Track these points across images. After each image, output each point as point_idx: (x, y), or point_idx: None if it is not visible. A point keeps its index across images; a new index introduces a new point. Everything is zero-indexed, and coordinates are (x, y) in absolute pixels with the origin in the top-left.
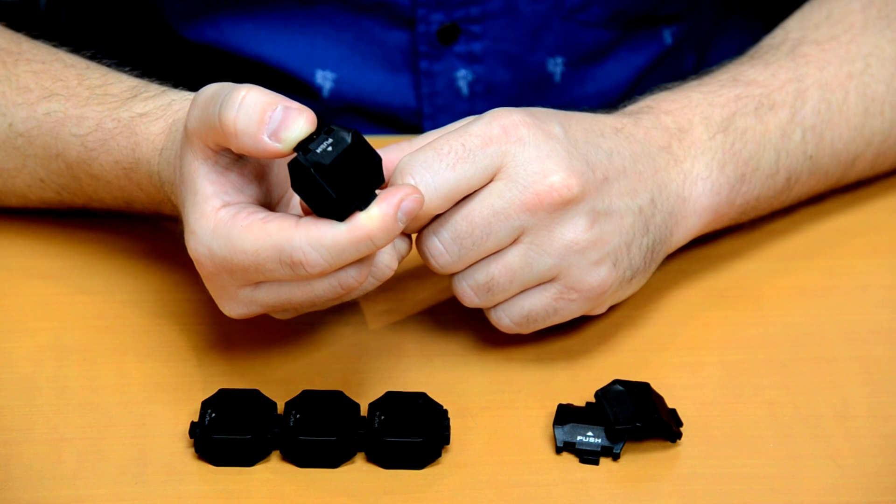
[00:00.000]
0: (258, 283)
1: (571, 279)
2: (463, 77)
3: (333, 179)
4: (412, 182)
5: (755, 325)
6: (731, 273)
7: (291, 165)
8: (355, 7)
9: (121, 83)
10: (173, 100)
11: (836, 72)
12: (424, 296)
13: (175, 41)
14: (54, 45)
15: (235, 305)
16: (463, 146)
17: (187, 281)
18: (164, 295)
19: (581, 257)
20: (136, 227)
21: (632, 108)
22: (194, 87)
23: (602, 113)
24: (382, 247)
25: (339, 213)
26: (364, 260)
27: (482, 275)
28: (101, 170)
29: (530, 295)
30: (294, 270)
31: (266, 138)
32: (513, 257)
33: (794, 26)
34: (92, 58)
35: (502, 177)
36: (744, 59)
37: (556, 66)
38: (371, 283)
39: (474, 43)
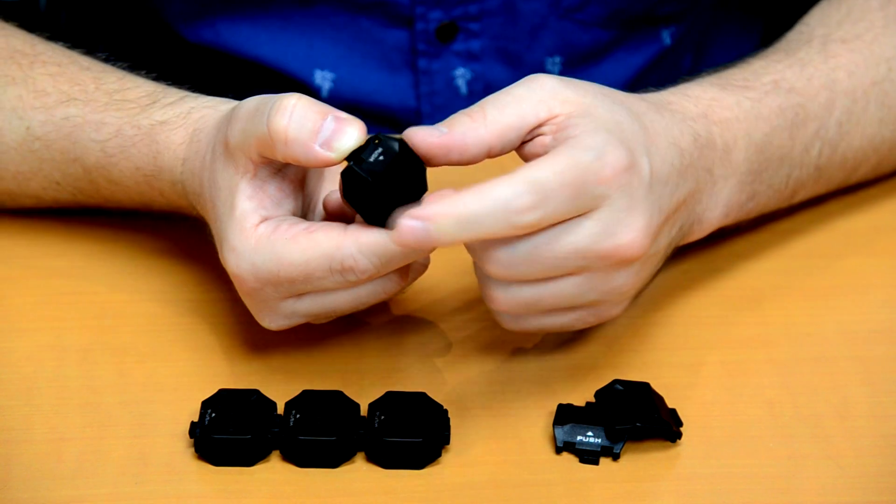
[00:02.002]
0: (301, 295)
1: (600, 310)
2: (461, 76)
3: (386, 188)
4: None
5: (755, 325)
6: (731, 273)
7: (345, 174)
8: (353, 7)
9: (138, 88)
10: (192, 107)
11: (861, 78)
12: (424, 296)
13: (175, 42)
14: (68, 47)
15: (276, 318)
16: (573, 183)
17: (188, 281)
18: (164, 295)
19: (621, 297)
20: (137, 228)
21: (691, 108)
22: (196, 87)
23: (676, 111)
24: (430, 252)
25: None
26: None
27: (529, 293)
28: (121, 175)
29: (557, 315)
30: (344, 277)
31: (318, 147)
32: (568, 287)
33: (815, 23)
34: (106, 60)
35: (594, 217)
36: (779, 55)
37: (554, 65)
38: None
39: (473, 41)
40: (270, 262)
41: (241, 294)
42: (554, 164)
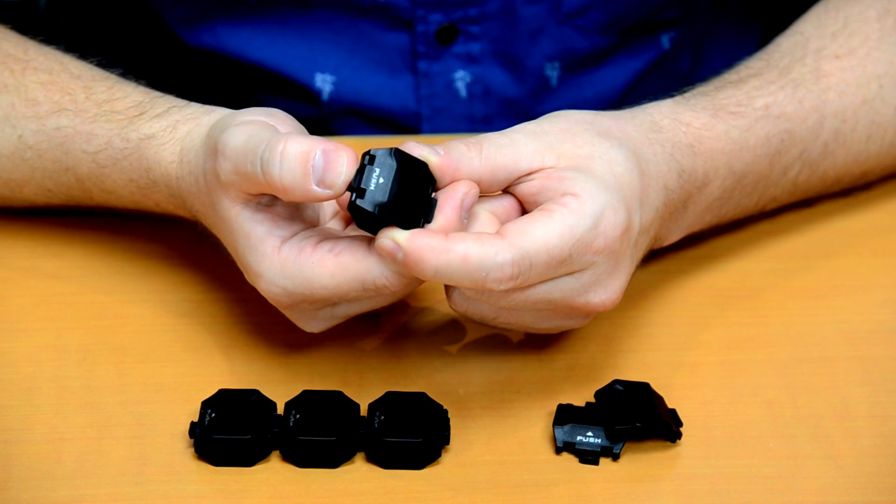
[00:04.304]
0: (337, 303)
1: (546, 332)
2: (461, 78)
3: (396, 210)
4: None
5: (755, 325)
6: (731, 273)
7: (352, 210)
8: (353, 10)
9: (126, 98)
10: (178, 120)
11: (852, 98)
12: (425, 296)
13: (176, 45)
14: (60, 50)
15: (317, 323)
16: (560, 257)
17: (187, 281)
18: (164, 295)
19: (568, 328)
20: (137, 228)
21: (680, 136)
22: (198, 90)
23: (666, 139)
24: None
25: None
26: None
27: (488, 312)
28: (114, 185)
29: (507, 326)
30: (378, 293)
31: (315, 187)
32: (526, 316)
33: (811, 33)
34: (98, 64)
35: (574, 276)
36: (773, 73)
37: (553, 69)
38: None
39: (472, 44)
40: (301, 286)
41: (279, 309)
42: (548, 237)
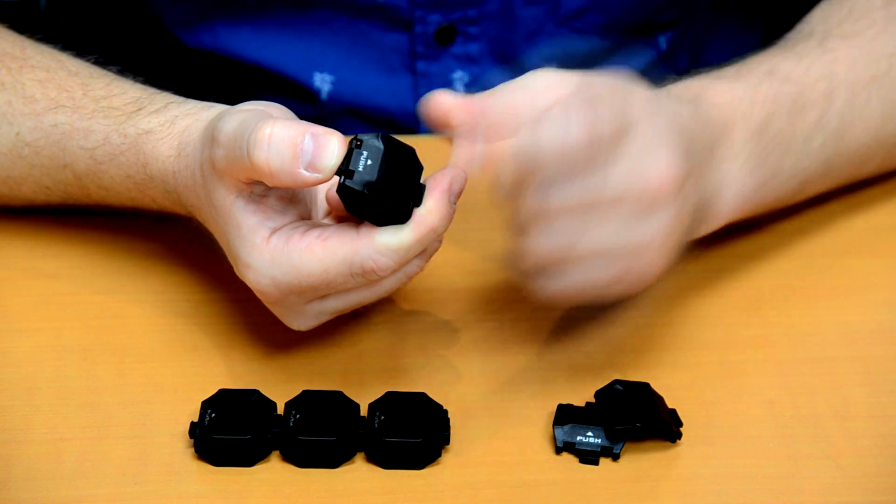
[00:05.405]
0: (325, 296)
1: (637, 263)
2: (459, 79)
3: (386, 191)
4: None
5: (755, 325)
6: (731, 273)
7: (342, 192)
8: (352, 10)
9: (124, 94)
10: (176, 115)
11: (861, 73)
12: (425, 296)
13: (175, 45)
14: (58, 48)
15: (305, 320)
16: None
17: (187, 281)
18: (164, 295)
19: (652, 248)
20: (137, 227)
21: (684, 93)
22: (196, 90)
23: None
24: (444, 231)
25: (399, 217)
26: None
27: (565, 233)
28: (111, 182)
29: (593, 267)
30: (366, 278)
31: (304, 171)
32: (602, 231)
33: (816, 21)
34: (96, 62)
35: (617, 162)
36: (776, 50)
37: None
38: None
39: (471, 44)
40: (289, 275)
41: (265, 304)
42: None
